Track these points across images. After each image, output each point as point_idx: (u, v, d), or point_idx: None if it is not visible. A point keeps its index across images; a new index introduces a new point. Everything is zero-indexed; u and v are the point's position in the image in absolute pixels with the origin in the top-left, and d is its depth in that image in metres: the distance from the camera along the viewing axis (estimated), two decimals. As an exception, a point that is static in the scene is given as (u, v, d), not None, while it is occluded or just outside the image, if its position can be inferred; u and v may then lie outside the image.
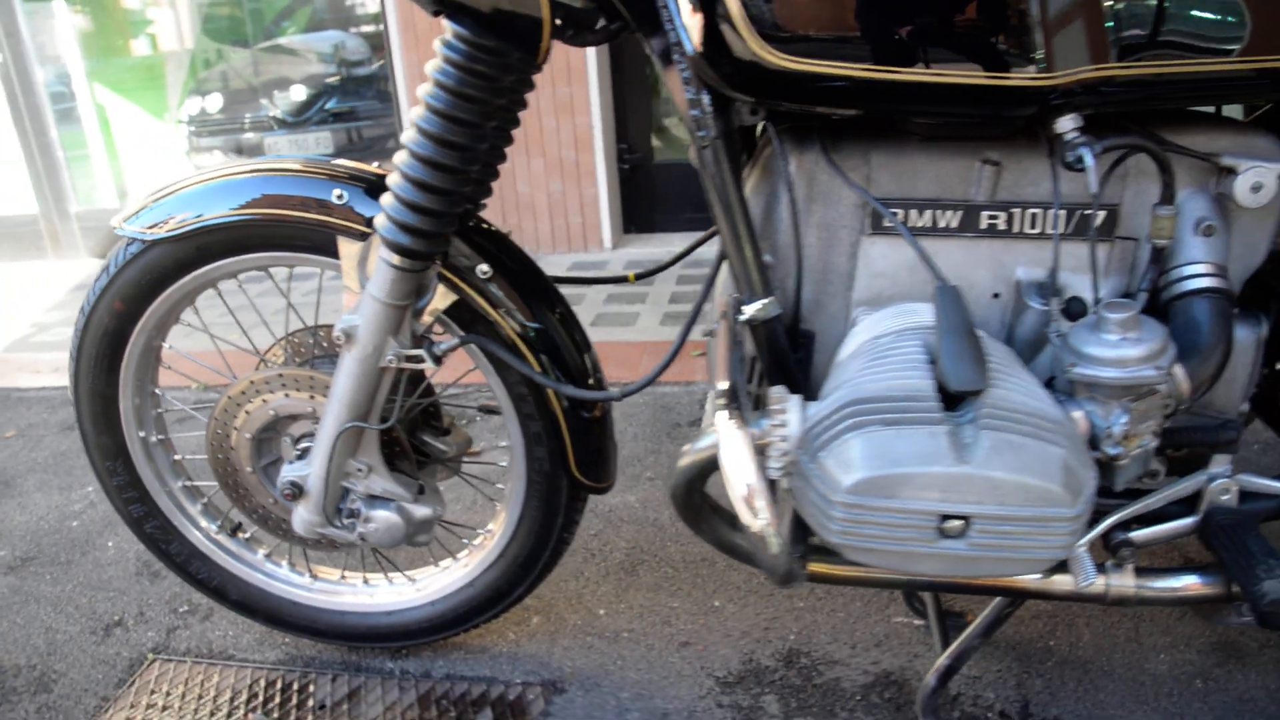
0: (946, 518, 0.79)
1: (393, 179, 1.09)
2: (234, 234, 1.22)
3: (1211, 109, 1.05)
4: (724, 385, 0.90)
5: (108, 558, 1.86)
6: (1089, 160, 0.88)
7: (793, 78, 0.93)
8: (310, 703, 1.43)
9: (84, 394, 1.34)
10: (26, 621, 1.66)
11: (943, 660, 1.22)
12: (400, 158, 1.09)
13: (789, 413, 0.90)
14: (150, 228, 1.21)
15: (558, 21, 1.04)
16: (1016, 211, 1.03)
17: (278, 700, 1.44)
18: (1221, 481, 1.04)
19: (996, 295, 1.07)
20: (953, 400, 0.85)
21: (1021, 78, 0.87)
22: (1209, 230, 0.99)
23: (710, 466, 1.03)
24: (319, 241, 1.21)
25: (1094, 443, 0.91)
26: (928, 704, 1.24)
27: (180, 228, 1.21)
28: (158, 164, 4.65)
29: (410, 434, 1.38)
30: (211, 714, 1.42)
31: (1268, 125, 1.12)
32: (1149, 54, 0.86)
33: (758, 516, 0.83)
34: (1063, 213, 1.02)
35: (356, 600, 1.49)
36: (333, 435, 1.23)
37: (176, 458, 1.46)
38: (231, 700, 1.44)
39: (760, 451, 0.89)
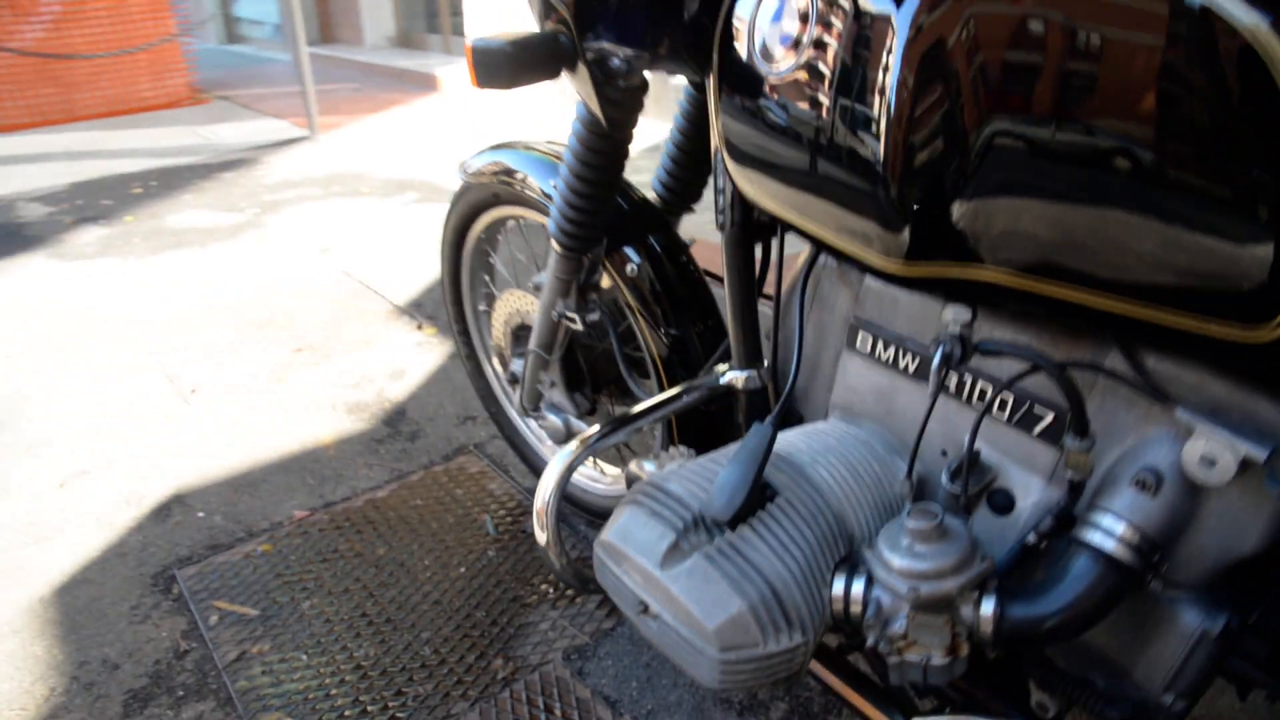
0: (645, 602, 0.93)
1: (555, 186, 1.42)
2: (511, 190, 1.68)
3: None
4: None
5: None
6: (935, 359, 0.83)
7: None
8: (516, 526, 1.99)
9: (445, 269, 1.98)
10: (434, 395, 2.50)
11: None
12: (560, 173, 1.41)
13: (664, 467, 1.07)
14: (472, 174, 1.74)
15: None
16: (969, 377, 0.97)
17: (503, 514, 2.02)
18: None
19: (944, 453, 1.02)
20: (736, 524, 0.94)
21: (874, 256, 0.85)
22: (1145, 485, 0.82)
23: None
24: (553, 212, 1.61)
25: (857, 627, 0.90)
26: None
27: (483, 179, 1.71)
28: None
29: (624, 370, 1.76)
30: (466, 500, 2.06)
31: None
32: (1022, 263, 0.77)
33: (541, 531, 1.05)
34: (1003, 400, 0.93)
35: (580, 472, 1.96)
36: (527, 353, 1.67)
37: (497, 328, 2.05)
38: (482, 500, 2.07)
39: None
